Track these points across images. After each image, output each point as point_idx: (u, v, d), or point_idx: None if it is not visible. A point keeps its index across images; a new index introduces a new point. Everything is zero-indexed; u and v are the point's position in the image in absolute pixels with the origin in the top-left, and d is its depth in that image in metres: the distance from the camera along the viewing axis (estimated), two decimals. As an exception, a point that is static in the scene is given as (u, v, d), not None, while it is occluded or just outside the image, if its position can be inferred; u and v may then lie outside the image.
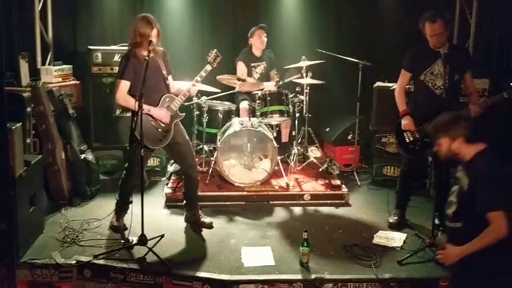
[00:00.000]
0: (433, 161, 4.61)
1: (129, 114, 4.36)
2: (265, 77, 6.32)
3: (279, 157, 5.52)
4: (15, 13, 5.58)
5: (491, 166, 3.07)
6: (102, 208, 4.95)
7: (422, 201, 5.21)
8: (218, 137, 5.57)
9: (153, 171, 5.94)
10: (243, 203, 5.24)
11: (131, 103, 4.06)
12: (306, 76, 5.81)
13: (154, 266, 3.91)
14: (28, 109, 4.74)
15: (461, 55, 4.43)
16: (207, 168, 5.64)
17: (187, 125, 5.15)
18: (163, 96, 4.29)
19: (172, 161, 5.49)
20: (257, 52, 6.26)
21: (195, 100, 5.60)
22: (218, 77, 5.63)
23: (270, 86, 6.06)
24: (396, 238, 4.40)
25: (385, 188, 5.55)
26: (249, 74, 6.16)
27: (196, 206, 4.72)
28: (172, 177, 5.50)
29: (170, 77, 4.48)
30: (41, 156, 4.52)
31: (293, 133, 6.06)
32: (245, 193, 5.30)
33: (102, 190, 5.40)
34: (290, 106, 5.64)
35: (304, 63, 5.80)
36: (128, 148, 4.33)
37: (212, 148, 5.81)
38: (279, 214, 5.06)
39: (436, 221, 4.21)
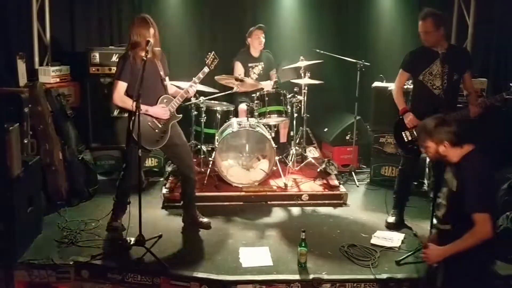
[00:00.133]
0: (431, 161, 4.61)
1: (127, 115, 4.34)
2: (263, 77, 6.31)
3: (277, 158, 5.51)
4: (12, 14, 5.60)
5: (479, 168, 3.10)
6: (100, 208, 4.94)
7: (420, 201, 5.21)
8: (216, 138, 5.57)
9: (151, 171, 5.94)
10: (241, 203, 5.24)
11: (129, 103, 4.05)
12: (304, 76, 5.81)
13: (151, 266, 3.89)
14: (26, 110, 4.74)
15: (460, 55, 4.43)
16: (205, 168, 5.63)
17: (185, 126, 5.15)
18: (161, 97, 4.29)
19: (170, 161, 5.48)
20: (255, 52, 6.25)
21: (193, 100, 5.59)
22: (216, 77, 5.63)
23: (268, 85, 6.05)
24: (394, 238, 4.39)
25: (383, 188, 5.55)
26: (247, 74, 6.16)
27: (194, 206, 4.72)
28: (170, 178, 5.49)
29: (167, 79, 4.48)
30: (39, 157, 4.52)
31: (291, 133, 6.06)
32: (243, 193, 5.30)
33: (100, 190, 5.39)
34: (288, 107, 5.64)
35: (302, 63, 5.80)
36: (125, 148, 4.33)
37: (210, 149, 5.80)
38: (277, 214, 5.06)
39: (435, 221, 4.20)
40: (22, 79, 5.34)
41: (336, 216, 5.04)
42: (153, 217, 4.80)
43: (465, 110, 4.23)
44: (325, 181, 5.57)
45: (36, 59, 5.89)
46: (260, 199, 5.29)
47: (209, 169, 5.51)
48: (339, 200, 5.31)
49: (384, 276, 3.81)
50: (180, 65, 5.99)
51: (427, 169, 5.53)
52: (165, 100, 4.29)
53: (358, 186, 5.84)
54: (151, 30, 4.12)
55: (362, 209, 5.22)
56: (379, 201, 5.24)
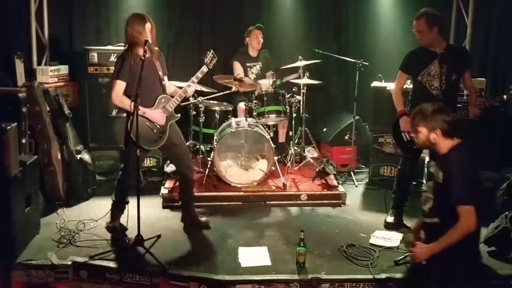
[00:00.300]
0: (431, 161, 4.60)
1: (125, 115, 4.33)
2: (261, 77, 6.32)
3: (276, 158, 5.51)
4: (11, 13, 5.59)
5: (465, 161, 3.11)
6: (98, 208, 4.92)
7: (419, 201, 5.19)
8: (215, 138, 5.56)
9: (150, 171, 5.93)
10: (240, 203, 5.23)
11: (127, 103, 4.04)
12: (303, 76, 5.81)
13: (150, 266, 3.88)
14: (24, 109, 4.72)
15: (458, 54, 4.42)
16: (204, 168, 5.62)
17: (184, 126, 5.14)
18: (159, 97, 4.27)
19: (169, 161, 5.47)
20: (253, 52, 6.25)
21: (191, 100, 5.58)
22: (214, 77, 5.63)
23: (265, 84, 6.05)
24: (393, 238, 4.39)
25: (382, 188, 5.55)
26: (245, 74, 6.16)
27: (193, 206, 4.71)
28: (169, 178, 5.48)
29: (165, 78, 4.47)
30: (36, 157, 4.50)
31: (290, 133, 6.06)
32: (242, 193, 5.29)
33: (98, 190, 5.39)
34: (287, 106, 5.63)
35: (301, 63, 5.80)
36: (124, 148, 4.32)
37: (209, 149, 5.80)
38: (276, 214, 5.06)
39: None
40: (20, 79, 5.32)
41: (335, 216, 5.03)
42: (152, 217, 4.79)
43: (464, 111, 4.23)
44: (323, 181, 5.56)
45: (34, 58, 5.87)
46: (259, 199, 5.28)
47: (207, 169, 5.50)
48: (338, 200, 5.30)
49: (383, 276, 3.80)
50: (178, 64, 5.99)
51: (426, 169, 5.53)
52: (163, 100, 4.28)
53: (357, 186, 5.84)
54: (148, 26, 4.11)
55: (361, 209, 5.21)
56: (378, 201, 5.23)
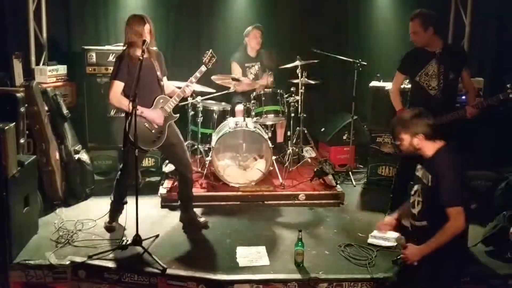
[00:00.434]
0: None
1: (122, 115, 4.33)
2: (260, 77, 6.31)
3: (274, 157, 5.51)
4: (9, 13, 5.58)
5: (453, 162, 3.14)
6: (97, 208, 4.92)
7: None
8: (213, 138, 5.56)
9: (148, 171, 5.93)
10: (238, 203, 5.23)
11: (125, 104, 4.04)
12: (301, 76, 5.81)
13: (148, 266, 3.89)
14: (22, 109, 4.72)
15: (456, 53, 4.43)
16: (202, 168, 5.62)
17: (182, 126, 5.14)
18: (157, 97, 4.28)
19: (167, 161, 5.47)
20: (252, 52, 6.25)
21: (190, 100, 5.58)
22: (212, 77, 5.63)
23: (263, 82, 6.05)
24: (391, 238, 4.38)
25: (380, 188, 5.55)
26: (244, 74, 6.15)
27: (191, 206, 4.71)
28: (167, 177, 5.48)
29: (165, 78, 4.47)
30: (35, 157, 4.50)
31: (288, 133, 6.06)
32: (240, 193, 5.29)
33: (96, 190, 5.38)
34: (285, 106, 5.64)
35: (299, 63, 5.80)
36: (122, 149, 4.32)
37: (207, 149, 5.80)
38: (274, 214, 5.06)
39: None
40: (19, 79, 5.31)
41: (333, 215, 5.03)
42: (150, 217, 4.79)
43: (461, 111, 4.23)
44: (322, 181, 5.56)
45: (33, 58, 5.86)
46: (257, 199, 5.28)
47: (206, 169, 5.50)
48: (336, 200, 5.31)
49: (381, 275, 3.80)
50: (176, 64, 5.98)
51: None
52: (161, 101, 4.28)
53: (355, 186, 5.84)
54: (147, 27, 4.11)
55: (359, 208, 5.22)
56: (376, 201, 5.24)
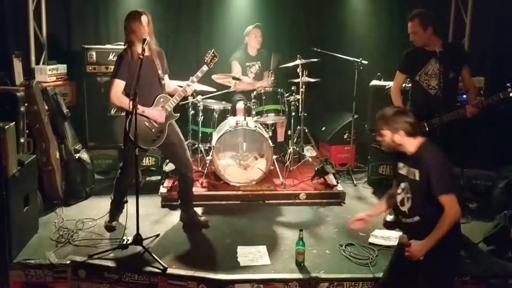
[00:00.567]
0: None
1: (123, 114, 4.32)
2: (260, 76, 6.31)
3: (274, 157, 5.51)
4: (9, 12, 5.57)
5: (438, 154, 3.22)
6: (97, 208, 4.93)
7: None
8: (214, 137, 5.55)
9: (148, 170, 5.92)
10: (239, 202, 5.23)
11: (125, 102, 4.03)
12: (302, 75, 5.80)
13: (149, 266, 3.88)
14: (22, 109, 4.72)
15: (455, 52, 4.42)
16: (202, 167, 5.62)
17: (182, 125, 5.13)
18: (158, 96, 4.27)
19: (167, 160, 5.46)
20: (252, 51, 6.24)
21: (190, 99, 5.58)
22: (213, 76, 5.61)
23: (264, 83, 6.05)
24: (392, 237, 4.38)
25: (381, 187, 5.54)
26: (244, 73, 6.14)
27: (192, 205, 4.71)
28: (167, 177, 5.48)
29: (166, 77, 4.46)
30: (35, 156, 4.49)
31: (289, 132, 6.05)
32: (240, 192, 5.29)
33: (97, 189, 5.38)
34: (285, 105, 5.63)
35: (300, 62, 5.78)
36: (122, 148, 4.31)
37: (207, 148, 5.79)
38: (275, 213, 5.05)
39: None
40: (19, 78, 5.31)
41: (334, 215, 5.03)
42: (151, 216, 4.78)
43: (461, 110, 4.23)
44: (322, 180, 5.56)
45: (33, 58, 5.86)
46: (258, 198, 5.28)
47: (206, 168, 5.50)
48: (337, 199, 5.30)
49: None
50: (176, 63, 5.98)
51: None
52: (162, 100, 4.27)
53: (355, 185, 5.84)
54: (144, 19, 4.10)
55: (359, 208, 5.20)
56: (377, 200, 5.23)
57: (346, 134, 6.25)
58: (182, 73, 5.29)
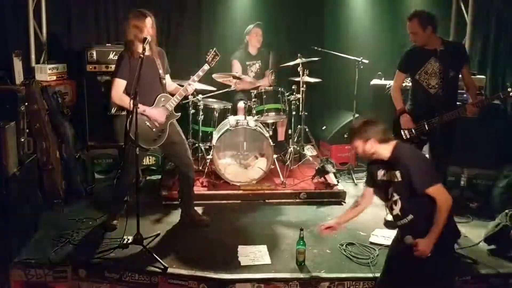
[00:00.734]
0: (431, 159, 4.60)
1: (124, 113, 4.32)
2: (260, 75, 6.30)
3: (275, 156, 5.50)
4: (9, 11, 5.56)
5: (413, 150, 3.39)
6: (97, 207, 4.92)
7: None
8: (214, 136, 5.55)
9: (149, 169, 5.91)
10: (239, 201, 5.23)
11: (126, 102, 4.02)
12: (303, 74, 5.79)
13: (149, 265, 3.87)
14: (22, 108, 4.70)
15: (455, 51, 4.40)
16: (203, 167, 5.61)
17: (183, 124, 5.12)
18: (159, 96, 4.26)
19: (168, 159, 5.46)
20: (252, 50, 6.24)
21: (190, 98, 5.57)
22: (213, 75, 5.61)
23: (265, 83, 6.04)
24: (393, 237, 4.37)
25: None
26: (244, 72, 6.14)
27: (192, 204, 4.70)
28: (168, 176, 5.47)
29: (167, 76, 4.45)
30: (35, 155, 4.49)
31: (289, 131, 6.04)
32: (241, 191, 5.29)
33: (97, 189, 5.37)
34: (286, 105, 5.62)
35: (300, 61, 5.78)
36: (123, 147, 4.30)
37: (207, 147, 5.78)
38: (275, 212, 5.04)
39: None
40: (19, 77, 5.29)
41: (335, 214, 5.00)
42: (151, 216, 4.78)
43: (461, 109, 4.22)
44: (323, 179, 5.55)
45: (33, 57, 5.85)
46: (258, 198, 5.28)
47: (206, 168, 5.49)
48: (337, 198, 5.30)
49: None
50: (176, 62, 5.96)
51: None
52: (162, 99, 4.26)
53: (356, 184, 5.83)
54: (148, 21, 4.09)
55: (360, 207, 5.19)
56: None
57: (347, 133, 6.22)
58: (182, 72, 5.29)
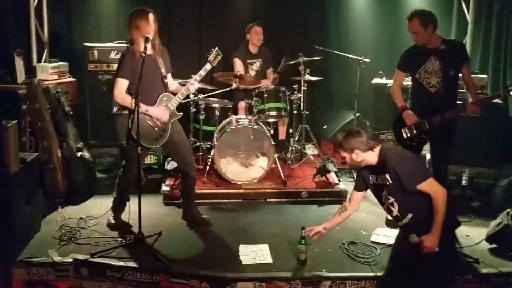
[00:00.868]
0: (432, 158, 4.61)
1: (126, 112, 4.32)
2: (261, 74, 6.31)
3: (276, 155, 5.50)
4: (10, 10, 5.56)
5: (397, 152, 3.47)
6: (99, 206, 4.92)
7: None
8: (215, 135, 5.55)
9: (150, 168, 5.90)
10: (240, 200, 5.23)
11: (128, 101, 4.03)
12: (304, 73, 5.79)
13: (151, 264, 3.88)
14: (24, 107, 4.72)
15: (455, 50, 4.39)
16: (204, 166, 5.61)
17: (184, 123, 5.13)
18: (161, 95, 4.26)
19: (169, 158, 5.46)
20: (253, 49, 6.24)
21: (192, 97, 5.57)
22: (215, 74, 5.61)
23: (266, 83, 6.04)
24: (394, 236, 4.37)
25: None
26: (245, 71, 6.14)
27: (194, 203, 4.71)
28: (169, 175, 5.47)
29: (169, 75, 4.44)
30: (37, 154, 4.49)
31: (290, 130, 6.04)
32: (242, 190, 5.29)
33: (99, 188, 5.37)
34: (287, 104, 5.62)
35: (302, 60, 5.78)
36: (125, 146, 4.30)
37: (209, 146, 5.78)
38: (277, 211, 5.05)
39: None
40: (20, 76, 5.31)
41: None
42: (153, 215, 4.78)
43: (462, 108, 4.22)
44: (324, 179, 5.55)
45: (34, 56, 5.85)
46: (259, 197, 5.28)
47: (208, 167, 5.49)
48: (339, 197, 5.30)
49: (385, 273, 3.79)
50: (177, 61, 5.96)
51: (427, 166, 5.52)
52: (164, 98, 4.26)
53: (357, 184, 5.82)
54: (150, 18, 4.09)
55: (361, 206, 5.14)
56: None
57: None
58: (183, 72, 5.29)
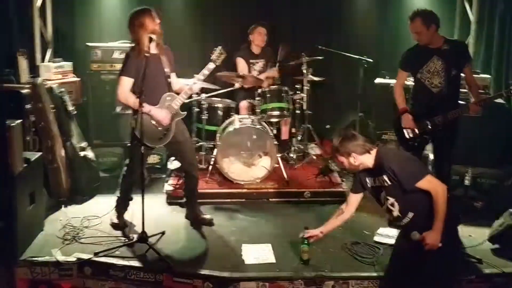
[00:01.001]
0: (434, 158, 4.61)
1: (128, 112, 4.33)
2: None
3: (279, 155, 5.50)
4: (14, 10, 5.58)
5: (395, 152, 3.53)
6: (102, 205, 4.93)
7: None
8: (218, 135, 5.55)
9: (153, 168, 5.92)
10: (243, 200, 5.23)
11: (131, 100, 4.04)
12: (307, 73, 5.79)
13: (154, 263, 3.89)
14: (28, 106, 4.73)
15: (457, 50, 4.39)
16: (206, 165, 5.62)
17: (187, 122, 5.13)
18: (164, 95, 4.26)
19: (173, 158, 5.47)
20: (256, 49, 6.24)
21: (194, 97, 5.58)
22: (218, 74, 5.61)
23: (274, 73, 6.02)
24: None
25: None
26: (248, 71, 6.14)
27: (196, 203, 4.71)
28: (173, 175, 5.48)
29: (173, 75, 4.43)
30: (40, 154, 4.50)
31: (293, 130, 6.04)
32: (245, 190, 5.30)
33: (102, 187, 5.38)
34: (290, 103, 5.63)
35: (305, 60, 5.78)
36: (128, 145, 4.31)
37: (211, 146, 5.79)
38: (279, 211, 5.05)
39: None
40: (24, 76, 5.32)
41: (338, 213, 5.02)
42: (156, 214, 4.78)
43: (464, 108, 4.22)
44: (327, 178, 5.55)
45: (38, 55, 5.87)
46: (262, 196, 5.28)
47: (210, 166, 5.50)
48: (342, 197, 5.26)
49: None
50: (179, 61, 5.97)
51: (429, 167, 5.51)
52: (168, 98, 4.26)
53: (360, 183, 5.82)
54: (153, 19, 4.09)
55: (364, 206, 5.10)
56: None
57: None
58: (184, 72, 5.29)
